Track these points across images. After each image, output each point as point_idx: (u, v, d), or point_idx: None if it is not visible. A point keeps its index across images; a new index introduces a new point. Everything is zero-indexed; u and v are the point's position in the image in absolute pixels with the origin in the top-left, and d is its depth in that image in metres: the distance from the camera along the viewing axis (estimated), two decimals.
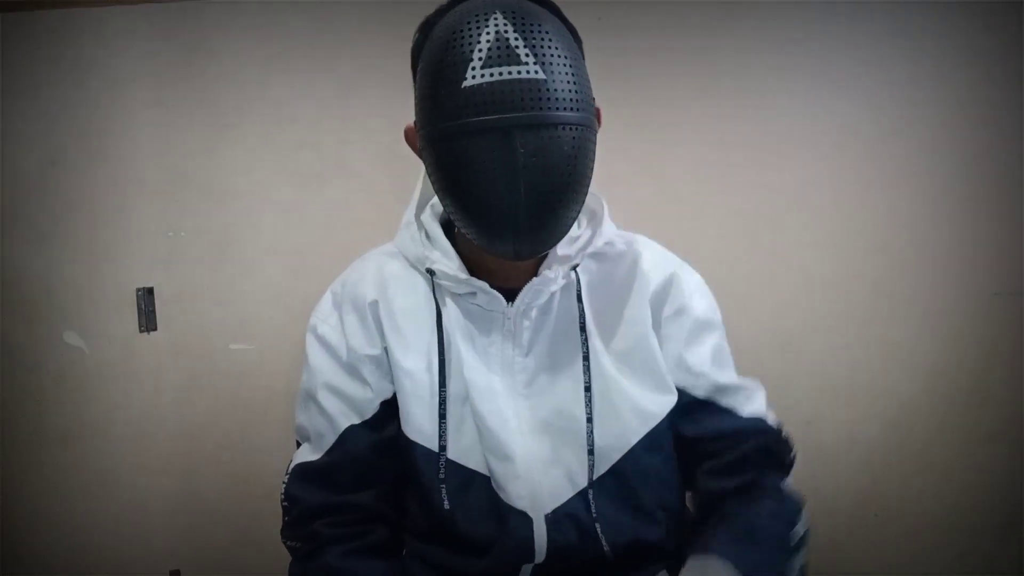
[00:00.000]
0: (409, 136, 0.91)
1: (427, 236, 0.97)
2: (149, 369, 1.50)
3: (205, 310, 1.48)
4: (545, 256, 0.92)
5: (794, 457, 0.98)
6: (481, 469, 0.93)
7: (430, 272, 0.94)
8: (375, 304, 0.96)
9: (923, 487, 1.43)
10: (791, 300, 1.42)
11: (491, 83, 0.76)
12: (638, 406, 0.93)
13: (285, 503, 0.96)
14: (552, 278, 0.92)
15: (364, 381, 0.96)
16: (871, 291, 1.40)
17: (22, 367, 1.50)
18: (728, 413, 0.96)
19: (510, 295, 0.93)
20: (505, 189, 0.79)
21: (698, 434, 0.96)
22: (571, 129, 0.79)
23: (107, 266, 1.47)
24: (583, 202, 0.87)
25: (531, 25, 0.78)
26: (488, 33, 0.77)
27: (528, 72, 0.77)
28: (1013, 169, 1.35)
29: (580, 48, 0.87)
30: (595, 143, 0.84)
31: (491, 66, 0.77)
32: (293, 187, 1.46)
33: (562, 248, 0.92)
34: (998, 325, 1.38)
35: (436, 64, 0.80)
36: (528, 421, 0.94)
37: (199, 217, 1.46)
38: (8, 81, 1.43)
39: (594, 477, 0.92)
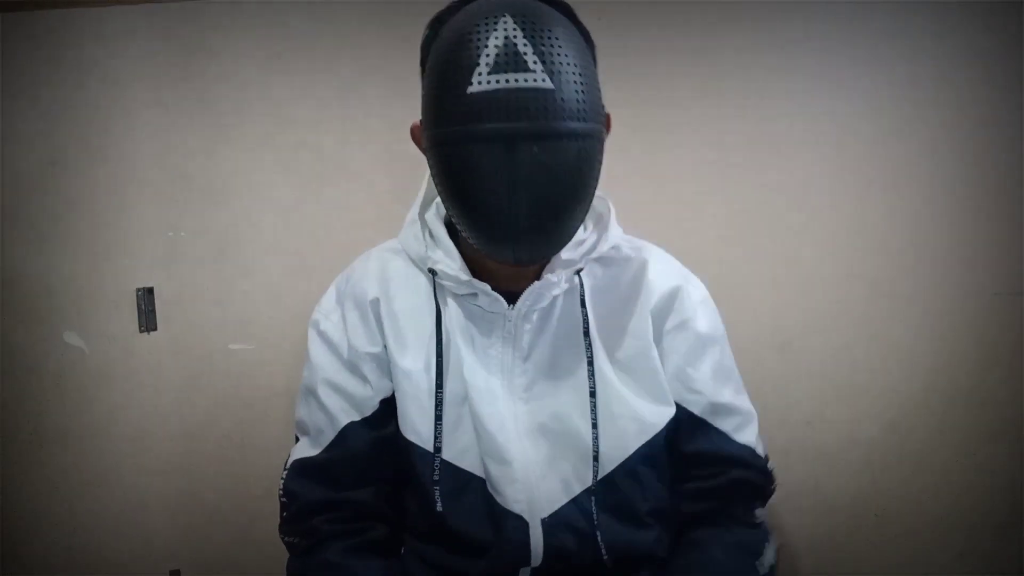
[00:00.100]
0: (415, 134, 0.90)
1: (430, 235, 0.97)
2: (149, 369, 1.50)
3: (205, 310, 1.49)
4: (548, 259, 0.92)
5: (774, 490, 1.00)
6: (477, 471, 0.93)
7: (432, 272, 0.94)
8: (376, 302, 0.96)
9: (923, 487, 1.43)
10: (791, 300, 1.42)
11: (497, 91, 0.75)
12: (637, 416, 0.93)
13: (283, 499, 0.96)
14: (555, 282, 0.91)
15: (364, 379, 0.96)
16: (871, 291, 1.40)
17: (22, 367, 1.50)
18: (721, 436, 0.97)
19: (512, 297, 0.92)
20: (507, 198, 0.78)
21: (689, 451, 0.97)
22: (577, 139, 0.78)
23: (107, 266, 1.47)
24: (588, 209, 0.86)
25: (541, 30, 0.76)
26: (497, 38, 0.76)
27: (536, 80, 0.75)
28: (1013, 169, 1.35)
29: (592, 52, 0.86)
30: (602, 151, 0.83)
31: (498, 72, 0.75)
32: (293, 187, 1.46)
33: (566, 252, 0.91)
34: (998, 325, 1.38)
35: (443, 65, 0.79)
36: (526, 425, 0.93)
37: (199, 217, 1.46)
38: (8, 81, 1.43)
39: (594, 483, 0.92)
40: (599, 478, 0.92)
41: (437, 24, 0.86)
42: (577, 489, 0.92)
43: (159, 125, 1.44)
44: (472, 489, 0.92)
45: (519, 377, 0.94)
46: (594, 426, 0.92)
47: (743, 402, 1.00)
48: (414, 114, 0.92)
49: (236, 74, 1.43)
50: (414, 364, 0.93)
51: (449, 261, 0.93)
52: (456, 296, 0.94)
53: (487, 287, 0.91)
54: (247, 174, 1.46)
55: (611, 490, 0.93)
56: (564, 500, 0.92)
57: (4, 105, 1.43)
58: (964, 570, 1.43)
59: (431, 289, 0.95)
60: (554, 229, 0.83)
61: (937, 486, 1.43)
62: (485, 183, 0.79)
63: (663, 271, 1.00)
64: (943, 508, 1.43)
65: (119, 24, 1.42)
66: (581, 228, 0.92)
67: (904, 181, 1.37)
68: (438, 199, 0.98)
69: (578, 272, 0.94)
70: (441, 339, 0.93)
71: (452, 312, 0.94)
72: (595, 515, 0.92)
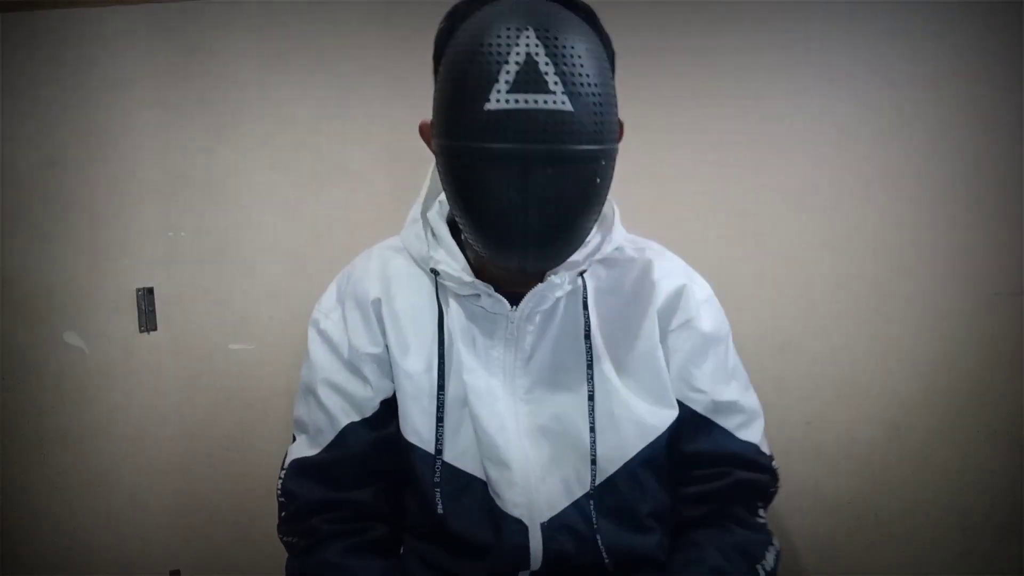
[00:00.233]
0: (424, 132, 0.89)
1: (433, 234, 0.96)
2: (149, 369, 1.50)
3: (205, 310, 1.48)
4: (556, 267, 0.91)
5: (776, 491, 0.99)
6: (478, 474, 0.92)
7: (434, 272, 0.93)
8: (378, 302, 0.96)
9: (923, 487, 1.43)
10: (791, 300, 1.42)
11: (515, 110, 0.74)
12: (639, 419, 0.92)
13: (282, 498, 0.96)
14: (558, 284, 0.91)
15: (365, 379, 0.95)
16: (871, 291, 1.40)
17: (22, 367, 1.50)
18: (724, 433, 0.96)
19: (514, 298, 0.92)
20: (518, 214, 0.77)
21: (692, 451, 0.96)
22: (592, 161, 0.78)
23: (107, 266, 1.47)
24: (596, 220, 0.86)
25: (563, 47, 0.74)
26: (518, 54, 0.73)
27: (555, 103, 0.74)
28: (1013, 169, 1.35)
29: (611, 60, 0.84)
30: (614, 165, 0.82)
31: (517, 91, 0.74)
32: (293, 187, 1.46)
33: None
34: (998, 325, 1.38)
35: (460, 73, 0.77)
36: (527, 427, 0.93)
37: (199, 217, 1.46)
38: (8, 81, 1.43)
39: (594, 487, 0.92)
40: (599, 481, 0.91)
41: (454, 18, 0.84)
42: (578, 492, 0.92)
43: (159, 125, 1.44)
44: (472, 491, 0.92)
45: (520, 378, 0.93)
46: (592, 429, 0.91)
47: (748, 400, 0.99)
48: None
49: (236, 74, 1.43)
50: (415, 365, 0.93)
51: (452, 261, 0.92)
52: (458, 296, 0.94)
53: (490, 288, 0.90)
54: (247, 174, 1.46)
55: (612, 493, 0.92)
56: (564, 504, 0.91)
57: (4, 105, 1.43)
58: (964, 570, 1.43)
59: (433, 289, 0.94)
60: (563, 241, 0.82)
61: (937, 486, 1.43)
62: (497, 200, 0.78)
63: (668, 271, 1.00)
64: (943, 508, 1.43)
65: (119, 24, 1.42)
66: None
67: (904, 181, 1.37)
68: (441, 197, 0.97)
69: (581, 274, 0.94)
70: (443, 340, 0.93)
71: (454, 313, 0.94)
72: (595, 519, 0.91)
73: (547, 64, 0.74)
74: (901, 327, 1.40)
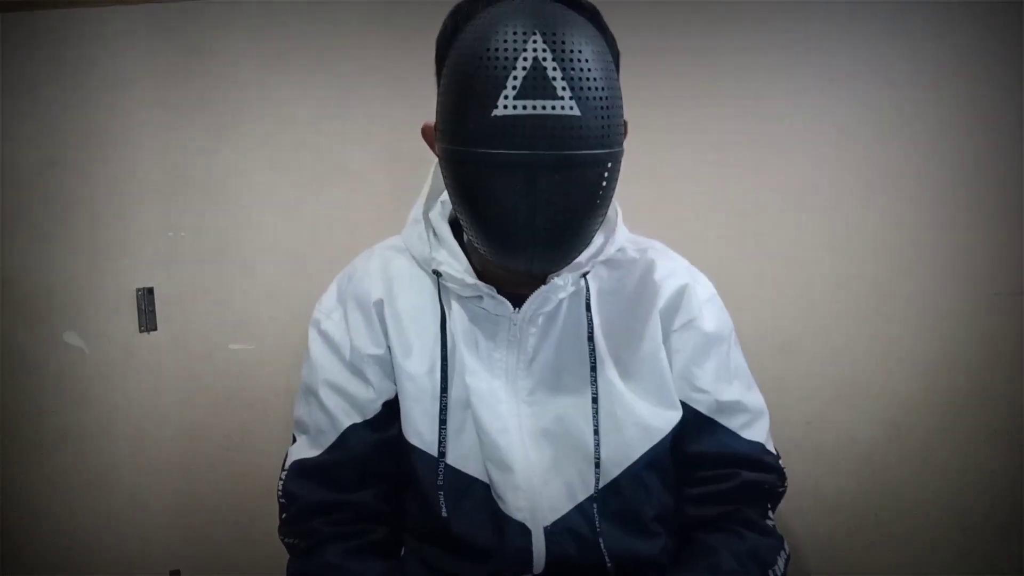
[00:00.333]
0: (427, 134, 0.88)
1: (434, 234, 0.96)
2: (149, 369, 1.50)
3: (205, 310, 1.48)
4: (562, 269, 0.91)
5: (784, 490, 0.98)
6: (481, 476, 0.92)
7: (436, 273, 0.93)
8: (380, 303, 0.95)
9: (923, 487, 1.43)
10: (791, 300, 1.42)
11: (523, 116, 0.73)
12: (642, 421, 0.92)
13: (283, 499, 0.95)
14: (561, 285, 0.90)
15: (367, 381, 0.95)
16: (871, 291, 1.40)
17: (22, 367, 1.50)
18: (728, 434, 0.95)
19: (517, 300, 0.91)
20: (524, 219, 0.77)
21: (696, 451, 0.95)
22: (599, 165, 0.77)
23: (107, 266, 1.47)
24: (603, 221, 0.86)
25: (571, 52, 0.73)
26: (526, 59, 0.73)
27: (563, 108, 0.73)
28: (1013, 169, 1.35)
29: (616, 61, 0.83)
30: (620, 166, 0.81)
31: (525, 97, 0.73)
32: (293, 187, 1.45)
33: None
34: (998, 325, 1.38)
35: (466, 77, 0.76)
36: (529, 429, 0.92)
37: (199, 217, 1.46)
38: (8, 81, 1.43)
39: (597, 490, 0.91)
40: (603, 485, 0.91)
41: (458, 17, 0.83)
42: (581, 496, 0.91)
43: (159, 125, 1.44)
44: (475, 494, 0.91)
45: (523, 380, 0.93)
46: (596, 432, 0.91)
47: (752, 399, 0.99)
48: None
49: (236, 74, 1.43)
50: (418, 367, 0.92)
51: (454, 263, 0.92)
52: (460, 298, 0.93)
53: (493, 290, 0.90)
54: (247, 174, 1.45)
55: (616, 496, 0.91)
56: (567, 507, 0.90)
57: (4, 105, 1.43)
58: (964, 570, 1.43)
59: (435, 290, 0.94)
60: (571, 243, 0.82)
61: (937, 486, 1.43)
62: (504, 205, 0.77)
63: (670, 271, 0.99)
64: (943, 508, 1.43)
65: (119, 24, 1.41)
66: None
67: (904, 181, 1.37)
68: (443, 197, 0.96)
69: (584, 275, 0.93)
70: (446, 342, 0.92)
71: (456, 314, 0.93)
72: (598, 522, 0.91)
73: (555, 69, 0.73)
74: (901, 327, 1.40)
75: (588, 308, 0.93)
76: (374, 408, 0.94)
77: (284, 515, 0.95)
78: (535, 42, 0.73)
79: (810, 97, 1.37)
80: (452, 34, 0.82)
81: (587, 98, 0.74)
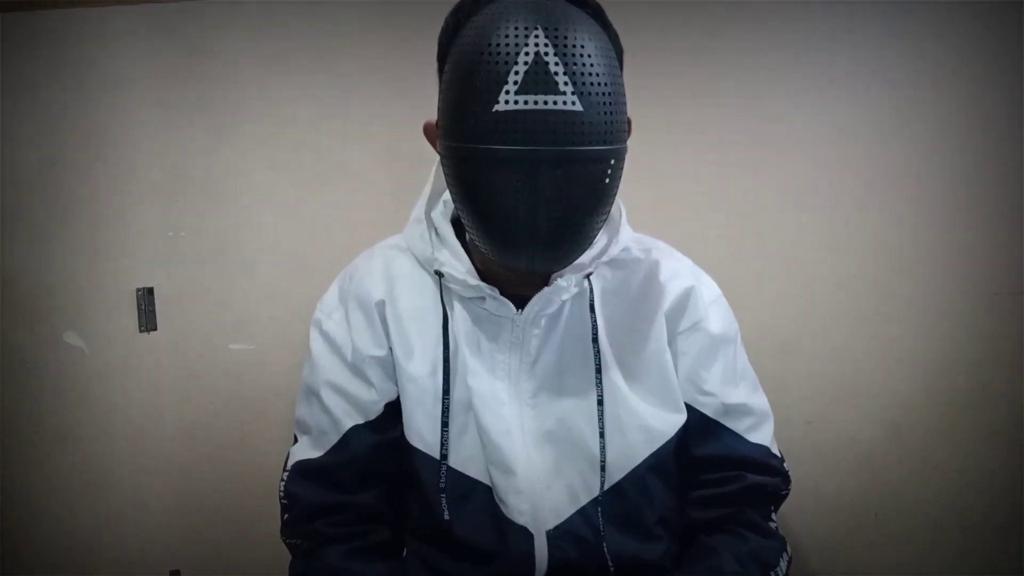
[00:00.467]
0: (429, 132, 0.88)
1: (436, 234, 0.95)
2: (149, 369, 1.50)
3: (205, 310, 1.48)
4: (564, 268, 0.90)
5: (788, 493, 0.98)
6: (483, 479, 0.91)
7: (439, 274, 0.92)
8: (382, 304, 0.94)
9: (923, 487, 1.43)
10: (791, 300, 1.42)
11: (525, 111, 0.72)
12: (646, 424, 0.91)
13: (285, 501, 0.94)
14: (564, 287, 0.89)
15: (369, 382, 0.94)
16: (871, 291, 1.40)
17: (22, 367, 1.49)
18: (733, 436, 0.94)
19: (520, 301, 0.91)
20: (526, 216, 0.76)
21: (701, 455, 0.94)
22: (602, 162, 0.76)
23: (107, 266, 1.47)
24: (606, 220, 0.85)
25: (572, 46, 0.73)
26: (527, 54, 0.72)
27: (565, 103, 0.73)
28: (1013, 169, 1.35)
29: (620, 58, 0.82)
30: (623, 163, 0.80)
31: (526, 92, 0.72)
32: (293, 187, 1.45)
33: None
34: (998, 325, 1.38)
35: (467, 73, 0.75)
36: (532, 432, 0.91)
37: (199, 217, 1.46)
38: (8, 81, 1.42)
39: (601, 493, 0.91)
40: (606, 488, 0.91)
41: (460, 14, 0.82)
42: (584, 499, 0.90)
43: (159, 125, 1.44)
44: (477, 497, 0.90)
45: (526, 382, 0.92)
46: (601, 435, 0.90)
47: (758, 401, 0.98)
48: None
49: (236, 74, 1.43)
50: (420, 369, 0.92)
51: (456, 263, 0.91)
52: (463, 299, 0.93)
53: (495, 291, 0.89)
54: (247, 174, 1.45)
55: (619, 500, 0.91)
56: (570, 511, 0.90)
57: (4, 105, 1.43)
58: (964, 570, 1.43)
59: (437, 291, 0.93)
60: (573, 241, 0.81)
61: (937, 486, 1.43)
62: (505, 202, 0.76)
63: (675, 271, 0.98)
64: (943, 508, 1.43)
65: (119, 24, 1.41)
66: None
67: (904, 181, 1.37)
68: (445, 196, 0.96)
69: (588, 276, 0.93)
70: (448, 344, 0.92)
71: (459, 316, 0.92)
72: (601, 526, 0.91)
73: (557, 64, 0.72)
74: (901, 327, 1.40)
75: (592, 309, 0.92)
76: (376, 409, 0.94)
77: (286, 516, 0.95)
78: (537, 37, 0.73)
79: (810, 97, 1.37)
80: (454, 31, 0.81)
81: (589, 93, 0.73)
